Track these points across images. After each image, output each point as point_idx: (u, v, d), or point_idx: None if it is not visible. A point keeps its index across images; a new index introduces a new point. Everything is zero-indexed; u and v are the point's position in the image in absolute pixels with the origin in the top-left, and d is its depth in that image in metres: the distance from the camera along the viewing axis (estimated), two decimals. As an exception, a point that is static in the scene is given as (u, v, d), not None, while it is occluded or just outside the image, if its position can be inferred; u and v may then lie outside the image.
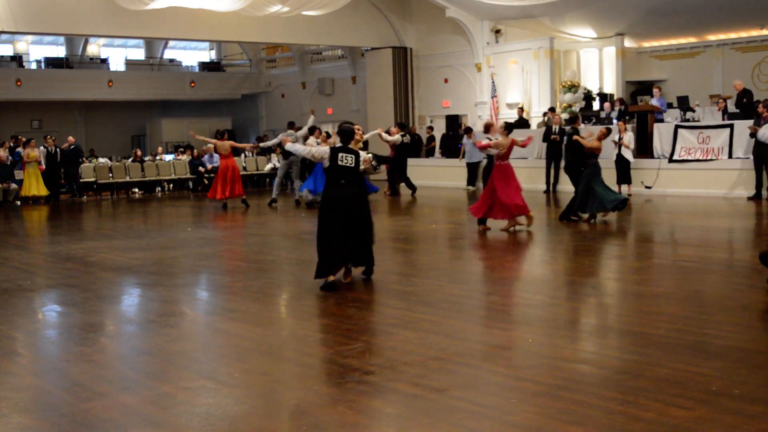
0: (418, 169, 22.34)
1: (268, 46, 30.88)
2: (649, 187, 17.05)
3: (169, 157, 24.52)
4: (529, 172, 19.62)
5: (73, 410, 4.46)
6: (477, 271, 9.31)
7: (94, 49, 33.25)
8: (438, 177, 21.85)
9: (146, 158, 24.06)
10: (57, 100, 28.75)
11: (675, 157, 16.95)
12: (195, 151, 24.49)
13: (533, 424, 4.09)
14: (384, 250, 11.04)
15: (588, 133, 13.28)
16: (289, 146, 8.85)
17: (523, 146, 12.21)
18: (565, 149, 13.21)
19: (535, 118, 21.49)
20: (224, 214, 16.32)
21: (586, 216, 12.72)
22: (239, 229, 14.31)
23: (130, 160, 23.71)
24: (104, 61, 31.98)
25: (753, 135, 15.34)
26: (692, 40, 20.77)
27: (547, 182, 18.59)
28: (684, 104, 18.04)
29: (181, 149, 25.72)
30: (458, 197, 18.51)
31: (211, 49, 35.84)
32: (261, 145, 21.69)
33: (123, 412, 4.44)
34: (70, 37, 31.27)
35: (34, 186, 19.99)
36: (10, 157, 20.15)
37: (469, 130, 20.58)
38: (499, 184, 11.72)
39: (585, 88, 21.52)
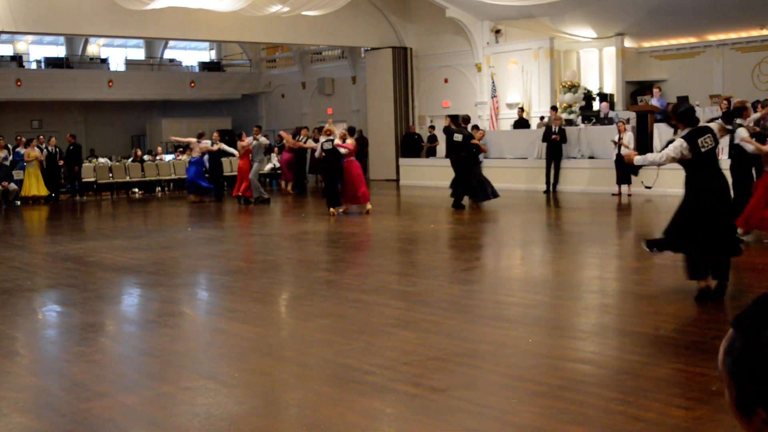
0: (417, 169, 22.36)
1: (268, 46, 30.87)
2: (649, 187, 16.88)
3: (169, 157, 24.51)
4: (528, 172, 19.63)
5: (73, 410, 4.46)
6: (477, 271, 9.31)
7: (94, 49, 33.23)
8: (438, 177, 21.83)
9: (146, 158, 24.05)
10: (57, 100, 28.73)
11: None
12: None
13: (533, 424, 4.09)
14: (384, 250, 11.05)
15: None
16: (650, 157, 7.21)
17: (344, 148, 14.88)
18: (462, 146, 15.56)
19: (535, 119, 21.50)
20: (220, 214, 16.33)
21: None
22: (239, 229, 14.31)
23: (130, 160, 23.71)
24: (104, 61, 31.96)
25: (753, 135, 15.30)
26: (692, 40, 20.75)
27: (547, 182, 18.59)
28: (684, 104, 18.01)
29: (181, 149, 25.70)
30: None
31: (211, 49, 35.83)
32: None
33: (123, 412, 4.44)
34: (70, 37, 31.24)
35: (34, 186, 19.99)
36: (9, 157, 20.13)
37: (476, 128, 20.60)
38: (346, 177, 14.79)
39: (585, 88, 21.51)
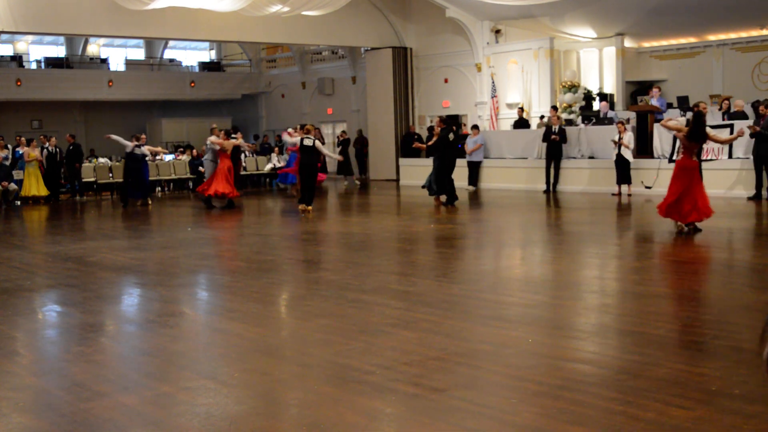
0: (417, 169, 22.34)
1: (268, 46, 30.88)
2: (649, 187, 17.06)
3: (169, 157, 24.50)
4: (528, 172, 19.64)
5: (73, 410, 4.46)
6: (477, 271, 9.31)
7: (94, 49, 33.25)
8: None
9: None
10: (57, 100, 28.75)
11: (675, 158, 16.92)
12: (195, 150, 24.48)
13: (533, 424, 4.08)
14: (384, 250, 11.05)
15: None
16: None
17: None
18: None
19: (535, 119, 21.50)
20: (220, 213, 16.33)
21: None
22: (239, 229, 14.31)
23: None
24: (104, 61, 31.98)
25: (753, 135, 15.33)
26: (692, 40, 20.76)
27: (547, 182, 18.61)
28: (684, 104, 18.03)
29: (181, 149, 25.70)
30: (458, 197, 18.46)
31: (211, 49, 35.85)
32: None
33: (123, 412, 4.43)
34: (70, 37, 31.27)
35: (34, 186, 19.99)
36: (9, 157, 20.13)
37: (475, 128, 20.64)
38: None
39: (585, 88, 21.52)
